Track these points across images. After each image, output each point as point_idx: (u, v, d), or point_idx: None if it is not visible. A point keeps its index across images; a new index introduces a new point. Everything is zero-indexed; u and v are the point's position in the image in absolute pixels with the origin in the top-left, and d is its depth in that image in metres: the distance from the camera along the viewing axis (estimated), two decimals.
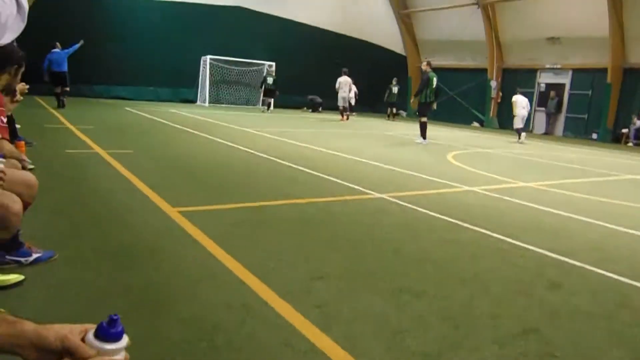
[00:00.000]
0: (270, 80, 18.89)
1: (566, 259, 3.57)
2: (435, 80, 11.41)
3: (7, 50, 2.62)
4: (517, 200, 5.57)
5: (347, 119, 17.54)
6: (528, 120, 20.76)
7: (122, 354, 0.81)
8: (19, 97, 3.06)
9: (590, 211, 5.29)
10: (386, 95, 21.41)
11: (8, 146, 2.80)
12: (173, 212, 3.98)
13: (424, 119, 11.44)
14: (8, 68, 2.74)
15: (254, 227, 3.83)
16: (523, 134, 14.58)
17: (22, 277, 2.46)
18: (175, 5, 18.95)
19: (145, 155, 6.87)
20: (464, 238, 3.96)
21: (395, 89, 21.07)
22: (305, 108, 21.79)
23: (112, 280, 2.64)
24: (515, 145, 13.35)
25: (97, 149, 6.92)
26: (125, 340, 0.78)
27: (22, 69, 2.87)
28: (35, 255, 2.70)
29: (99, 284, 2.58)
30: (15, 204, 2.17)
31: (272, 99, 19.36)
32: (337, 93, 17.96)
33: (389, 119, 20.93)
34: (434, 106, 11.58)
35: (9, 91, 2.95)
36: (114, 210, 4.02)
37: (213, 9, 19.68)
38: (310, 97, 21.59)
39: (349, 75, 18.08)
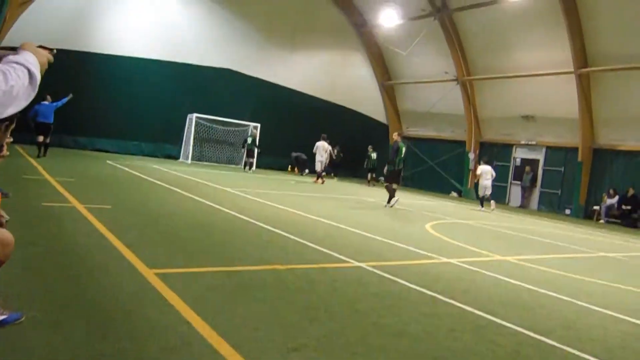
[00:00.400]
0: (249, 140, 19.28)
1: (544, 339, 3.57)
2: (404, 149, 12.08)
3: None
4: (494, 275, 5.62)
5: (323, 182, 17.89)
6: (504, 193, 21.43)
7: None
8: (5, 152, 3.07)
9: (564, 288, 5.36)
10: (365, 162, 21.97)
11: None
12: (149, 274, 3.91)
13: (395, 186, 12.08)
14: None
15: (231, 293, 3.77)
16: (492, 202, 15.29)
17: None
18: (165, 63, 19.49)
19: (124, 211, 6.80)
20: (442, 312, 3.95)
21: (373, 155, 21.63)
22: (290, 168, 22.08)
23: (83, 346, 2.54)
24: (490, 217, 13.61)
25: (75, 202, 6.83)
26: None
27: (13, 126, 2.90)
28: (0, 317, 2.60)
29: (68, 351, 2.47)
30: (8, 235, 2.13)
31: (253, 159, 19.59)
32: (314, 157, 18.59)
33: (368, 185, 21.26)
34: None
35: None
36: (88, 269, 3.92)
37: (202, 70, 20.30)
38: (295, 154, 21.86)
39: (327, 140, 18.61)
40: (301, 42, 23.31)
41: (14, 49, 1.44)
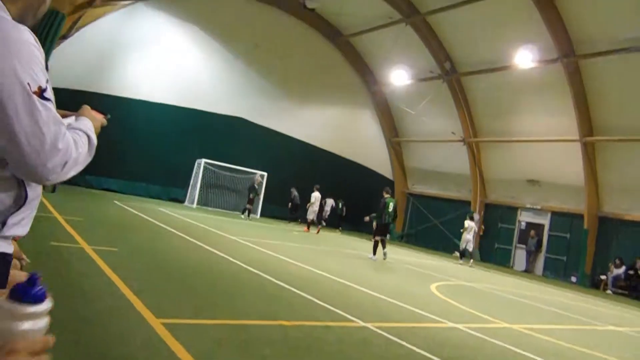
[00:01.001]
0: (256, 185, 19.54)
1: None
2: (391, 204, 12.66)
3: None
4: (501, 343, 5.51)
5: (318, 232, 18.19)
6: (509, 257, 21.24)
7: (45, 321, 0.67)
8: None
9: None
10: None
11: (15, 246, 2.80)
12: (157, 323, 3.87)
13: (378, 238, 12.64)
14: None
15: (238, 348, 3.72)
16: (471, 260, 16.83)
17: None
18: (179, 109, 19.99)
19: (131, 255, 6.79)
20: None
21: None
22: (293, 221, 22.08)
23: None
24: (495, 281, 13.43)
25: (83, 243, 6.85)
26: (47, 303, 0.60)
27: None
28: None
29: None
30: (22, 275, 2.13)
31: (251, 207, 19.71)
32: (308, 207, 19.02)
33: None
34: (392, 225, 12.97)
35: None
36: (97, 313, 3.90)
37: (215, 117, 20.78)
38: (294, 193, 21.70)
39: (319, 191, 19.16)
40: (314, 96, 23.96)
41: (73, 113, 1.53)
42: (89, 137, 1.40)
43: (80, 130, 1.39)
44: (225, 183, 21.07)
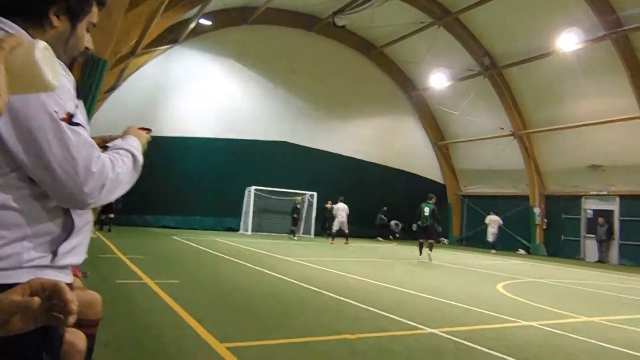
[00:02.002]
0: (297, 207, 19.96)
1: None
2: (426, 209, 13.52)
3: None
4: (583, 338, 5.14)
5: (347, 243, 18.16)
6: (578, 248, 20.10)
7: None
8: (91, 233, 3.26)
9: None
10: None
11: (77, 282, 2.91)
12: (221, 349, 3.88)
13: (422, 240, 13.76)
14: None
15: None
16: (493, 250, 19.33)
17: None
18: (224, 141, 20.53)
19: (192, 286, 6.93)
20: None
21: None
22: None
23: None
24: (567, 274, 12.68)
25: (146, 279, 7.06)
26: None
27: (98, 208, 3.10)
28: None
29: None
30: (81, 340, 2.19)
31: (296, 227, 20.01)
32: (334, 218, 19.12)
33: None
34: (438, 228, 13.92)
35: None
36: (163, 346, 3.97)
37: (259, 144, 21.19)
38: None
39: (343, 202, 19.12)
40: (355, 110, 23.98)
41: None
42: (133, 155, 1.41)
43: (122, 149, 1.40)
44: (277, 207, 21.28)
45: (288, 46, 22.11)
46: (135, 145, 1.45)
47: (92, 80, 5.15)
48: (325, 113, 23.08)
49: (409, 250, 18.00)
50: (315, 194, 21.63)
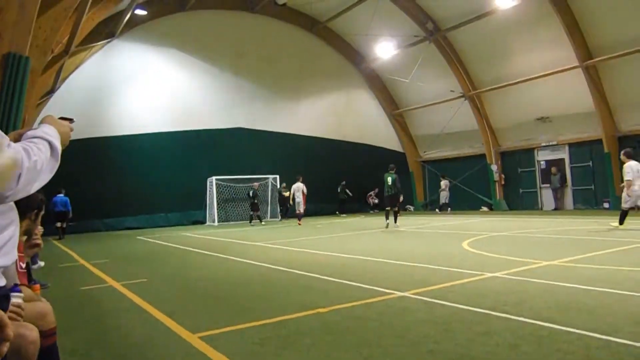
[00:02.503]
0: (251, 193, 19.56)
1: (613, 339, 3.35)
2: (389, 178, 14.26)
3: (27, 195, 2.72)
4: (544, 281, 5.38)
5: (299, 224, 17.73)
6: (536, 199, 20.94)
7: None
8: (39, 241, 3.12)
9: (625, 283, 5.08)
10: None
11: (27, 292, 2.79)
12: (194, 339, 3.84)
13: (388, 208, 14.37)
14: (29, 213, 2.82)
15: (279, 343, 3.67)
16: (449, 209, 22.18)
17: None
18: (178, 133, 20.09)
19: (160, 282, 6.81)
20: (499, 329, 3.76)
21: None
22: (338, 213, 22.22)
23: None
24: (527, 224, 13.21)
25: (112, 282, 6.88)
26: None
27: (42, 213, 2.96)
28: None
29: None
30: (32, 331, 2.11)
31: (258, 212, 19.74)
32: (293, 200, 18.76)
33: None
34: (400, 198, 14.48)
35: (29, 236, 3.00)
36: (133, 345, 3.88)
37: (215, 133, 20.83)
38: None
39: (302, 182, 18.69)
40: (306, 89, 23.84)
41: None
42: (49, 142, 1.33)
43: (37, 137, 1.32)
44: (241, 194, 21.11)
45: (231, 30, 21.62)
46: (50, 132, 1.37)
47: (14, 80, 4.85)
48: (277, 94, 22.85)
49: (376, 220, 18.28)
50: (277, 177, 21.56)
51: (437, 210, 22.97)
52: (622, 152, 11.00)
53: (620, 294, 4.64)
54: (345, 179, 22.88)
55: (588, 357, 3.04)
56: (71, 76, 17.51)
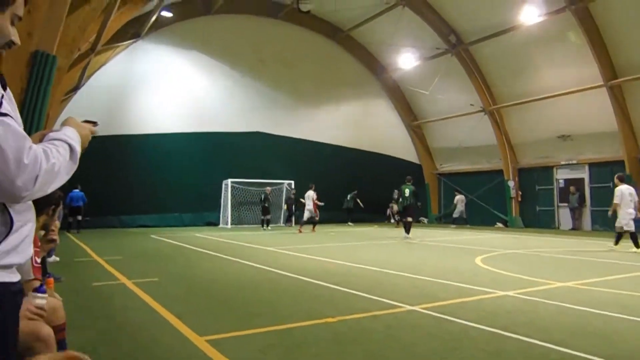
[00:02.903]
0: (262, 197, 19.66)
1: None
2: (407, 190, 14.65)
3: None
4: (557, 303, 5.28)
5: (313, 230, 17.53)
6: (552, 217, 20.61)
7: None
8: (55, 236, 3.17)
9: (637, 309, 4.96)
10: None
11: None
12: (201, 342, 3.86)
13: (404, 220, 14.80)
14: (46, 209, 2.88)
15: (285, 351, 3.66)
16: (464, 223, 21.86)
17: None
18: (196, 135, 20.29)
19: (171, 282, 6.86)
20: (508, 349, 3.70)
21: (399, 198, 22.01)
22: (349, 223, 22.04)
23: None
24: (543, 243, 13.00)
25: (124, 279, 6.96)
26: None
27: (59, 208, 3.01)
28: None
29: None
30: (44, 327, 2.15)
31: (269, 216, 19.71)
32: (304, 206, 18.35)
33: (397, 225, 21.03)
34: (419, 204, 15.31)
35: (46, 231, 3.06)
36: (142, 345, 3.92)
37: (232, 136, 20.99)
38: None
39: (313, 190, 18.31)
40: (326, 96, 23.92)
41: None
42: (69, 145, 1.35)
43: (57, 139, 1.34)
44: (255, 198, 21.20)
45: (254, 35, 21.83)
46: (72, 135, 1.40)
47: (41, 77, 4.97)
48: (296, 101, 22.96)
49: (389, 231, 18.18)
50: (292, 182, 21.61)
51: (451, 224, 22.42)
52: (616, 176, 11.79)
53: (634, 321, 4.54)
54: (361, 188, 22.75)
55: None
56: (95, 74, 17.84)
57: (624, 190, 10.94)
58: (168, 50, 20.15)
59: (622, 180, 11.32)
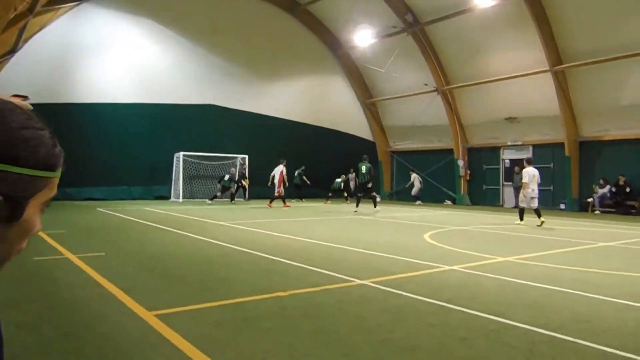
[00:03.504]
0: (226, 177, 19.34)
1: (557, 335, 3.51)
2: (363, 167, 15.52)
3: None
4: (498, 277, 5.57)
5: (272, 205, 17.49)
6: (497, 196, 21.55)
7: None
8: None
9: (571, 282, 5.31)
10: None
11: None
12: (149, 317, 3.80)
13: (360, 195, 16.10)
14: None
15: (236, 326, 3.68)
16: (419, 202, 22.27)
17: None
18: (148, 106, 19.55)
19: (118, 257, 6.69)
20: (451, 321, 3.88)
21: (351, 176, 22.77)
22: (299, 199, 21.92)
23: None
24: (487, 220, 13.60)
25: (68, 254, 6.71)
26: None
27: None
28: None
29: None
30: None
31: (229, 191, 19.54)
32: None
33: (346, 201, 21.63)
34: (369, 185, 15.64)
35: None
36: (86, 321, 3.81)
37: (185, 108, 20.38)
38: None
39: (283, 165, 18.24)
40: (282, 71, 23.55)
41: None
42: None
43: None
44: (208, 172, 20.84)
45: (207, 3, 21.04)
46: None
47: None
48: (251, 74, 22.50)
49: (341, 207, 18.41)
50: (246, 156, 21.37)
51: (416, 202, 22.35)
52: (525, 159, 13.37)
53: (567, 293, 4.86)
54: (315, 164, 22.76)
55: (532, 352, 3.18)
56: (35, 37, 16.71)
57: (530, 172, 12.13)
58: (116, 16, 19.12)
59: (530, 162, 12.58)
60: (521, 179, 19.97)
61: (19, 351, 3.05)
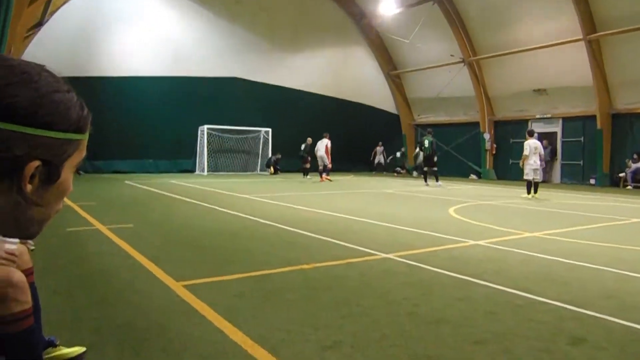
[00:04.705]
0: (302, 147, 18.79)
1: (584, 311, 3.46)
2: (426, 141, 15.92)
3: None
4: (525, 252, 5.49)
5: (325, 180, 17.19)
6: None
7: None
8: None
9: (600, 258, 5.20)
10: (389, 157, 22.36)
11: None
12: (178, 287, 3.89)
13: (426, 169, 16.43)
14: None
15: (260, 297, 3.73)
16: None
17: (83, 349, 2.54)
18: (172, 79, 19.63)
19: (146, 228, 6.83)
20: (477, 295, 3.85)
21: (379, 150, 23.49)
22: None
23: None
24: (514, 195, 13.38)
25: (98, 225, 6.89)
26: None
27: None
28: None
29: None
30: (15, 273, 2.11)
31: (307, 165, 18.89)
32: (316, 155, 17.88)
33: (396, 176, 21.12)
34: (435, 159, 16.05)
35: None
36: (116, 289, 3.93)
37: (209, 81, 20.39)
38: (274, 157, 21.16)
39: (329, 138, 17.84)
40: (303, 42, 23.24)
41: None
42: None
43: None
44: (232, 145, 20.96)
45: None
46: None
47: None
48: (273, 45, 22.29)
49: (367, 181, 18.36)
50: (270, 130, 21.38)
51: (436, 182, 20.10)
52: (527, 131, 13.42)
53: (596, 269, 4.76)
54: (338, 137, 22.47)
55: (559, 328, 3.15)
56: (60, 10, 16.83)
57: (531, 144, 12.07)
58: None
59: (532, 135, 12.54)
60: (550, 153, 19.81)
61: (53, 316, 3.16)
